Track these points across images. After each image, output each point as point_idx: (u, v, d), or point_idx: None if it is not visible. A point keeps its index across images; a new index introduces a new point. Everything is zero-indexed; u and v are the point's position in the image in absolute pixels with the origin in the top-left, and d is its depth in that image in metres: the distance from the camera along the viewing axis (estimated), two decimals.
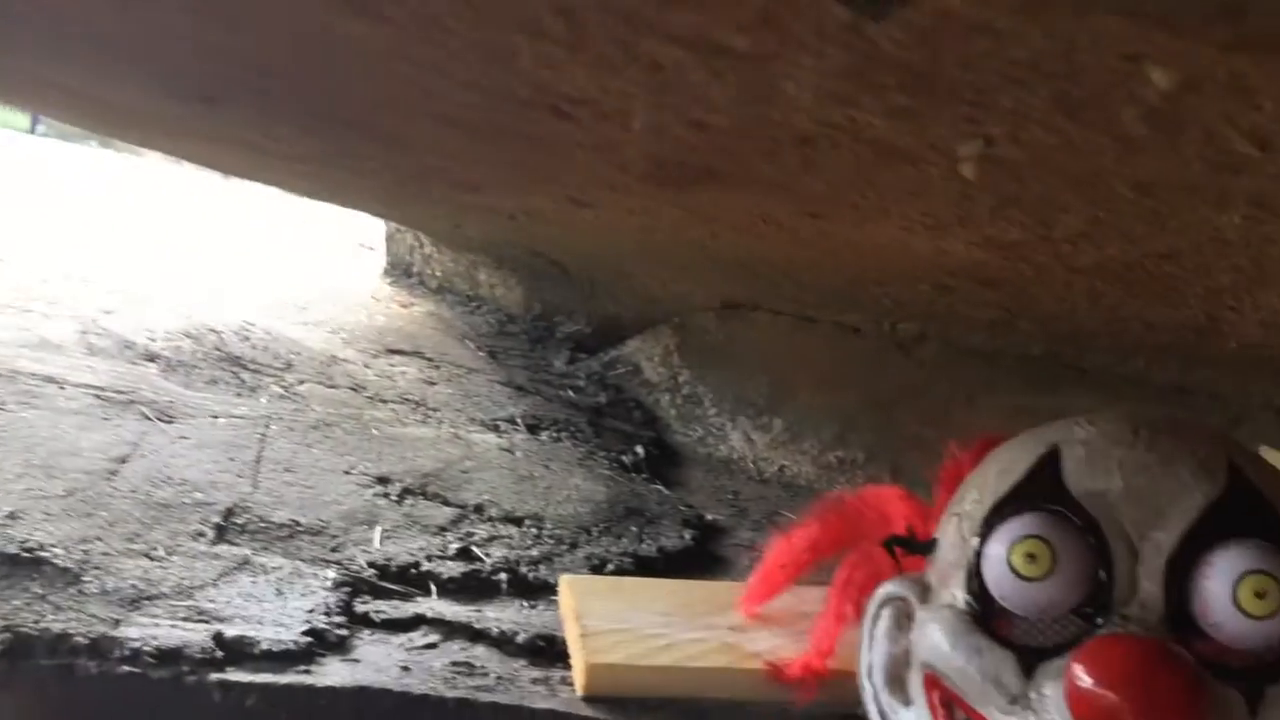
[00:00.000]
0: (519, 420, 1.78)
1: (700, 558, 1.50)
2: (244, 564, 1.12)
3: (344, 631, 1.05)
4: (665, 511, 1.62)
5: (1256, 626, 0.68)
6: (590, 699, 0.99)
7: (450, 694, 0.96)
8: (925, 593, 0.81)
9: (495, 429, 1.72)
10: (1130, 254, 0.95)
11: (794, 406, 2.08)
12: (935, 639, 0.77)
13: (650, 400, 2.14)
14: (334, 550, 1.20)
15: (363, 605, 1.11)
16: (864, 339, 2.05)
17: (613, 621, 1.06)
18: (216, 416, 1.44)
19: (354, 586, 1.14)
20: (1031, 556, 0.71)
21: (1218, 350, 1.36)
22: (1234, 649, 0.70)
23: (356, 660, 1.01)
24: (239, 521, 1.19)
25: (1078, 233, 0.91)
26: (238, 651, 0.96)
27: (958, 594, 0.77)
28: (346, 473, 1.38)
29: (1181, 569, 0.71)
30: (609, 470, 1.72)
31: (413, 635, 1.08)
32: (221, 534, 1.16)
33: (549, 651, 1.09)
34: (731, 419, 2.09)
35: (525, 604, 1.21)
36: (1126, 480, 0.74)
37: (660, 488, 1.76)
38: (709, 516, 1.69)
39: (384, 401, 1.66)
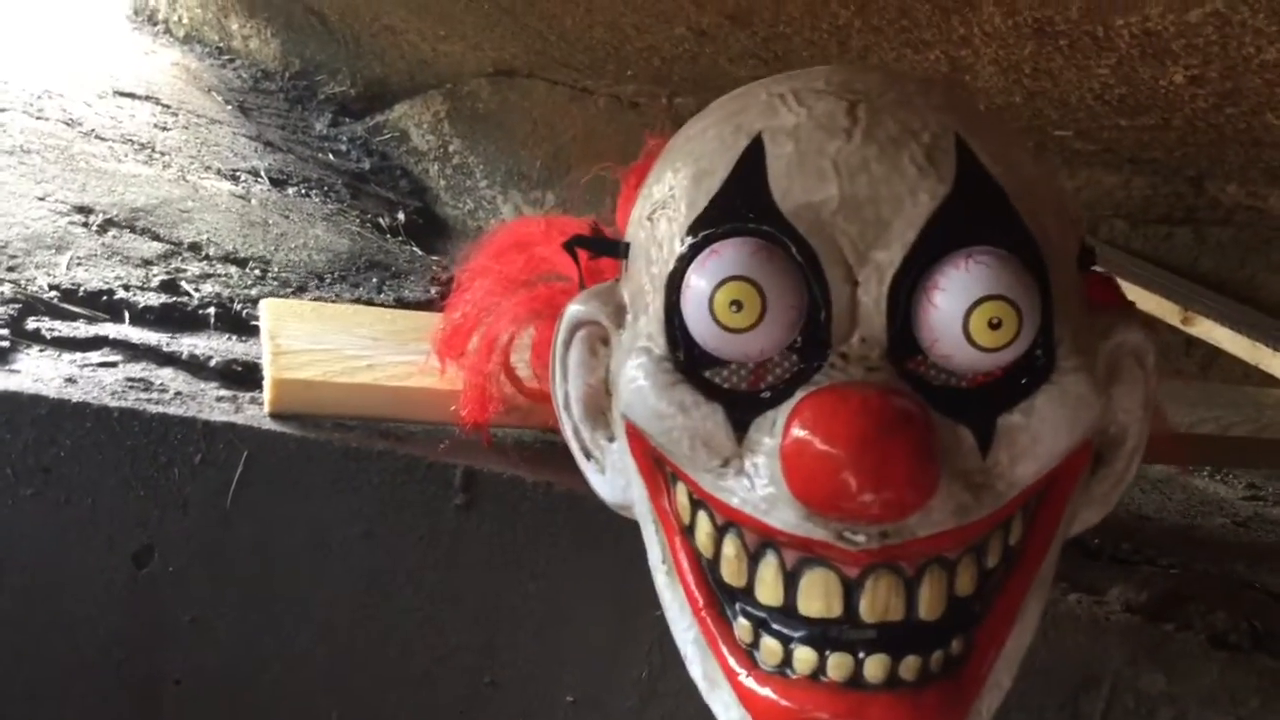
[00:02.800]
0: (263, 173, 1.66)
1: None
2: None
3: (4, 344, 0.94)
4: (414, 269, 1.55)
5: (989, 358, 0.59)
6: (278, 416, 0.92)
7: (115, 404, 0.88)
8: (619, 314, 0.69)
9: (233, 178, 1.59)
10: None
11: (568, 181, 2.01)
12: (634, 391, 0.64)
13: (418, 169, 2.04)
14: (10, 270, 1.08)
15: (35, 323, 1.01)
16: (642, 114, 1.99)
17: (311, 342, 0.99)
18: None
19: (27, 305, 1.03)
20: (738, 305, 0.59)
21: None
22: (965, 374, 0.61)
23: (15, 371, 0.91)
24: None
25: None
26: None
27: (655, 334, 0.64)
28: (40, 199, 1.25)
29: (906, 293, 0.60)
30: (359, 229, 1.62)
31: (90, 354, 0.99)
32: None
33: (246, 377, 1.01)
34: (503, 191, 2.02)
35: (235, 338, 1.13)
36: (843, 186, 0.61)
37: (415, 249, 1.68)
38: None
39: (101, 139, 1.51)
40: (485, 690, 0.93)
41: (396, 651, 0.92)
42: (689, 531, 0.65)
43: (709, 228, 0.62)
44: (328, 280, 1.36)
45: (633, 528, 0.92)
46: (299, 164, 1.79)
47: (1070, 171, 1.65)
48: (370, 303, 1.34)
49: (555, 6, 1.44)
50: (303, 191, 1.68)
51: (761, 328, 0.60)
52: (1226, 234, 1.68)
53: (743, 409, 0.61)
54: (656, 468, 0.67)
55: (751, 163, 0.63)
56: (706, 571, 0.65)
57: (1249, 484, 1.40)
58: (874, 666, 0.59)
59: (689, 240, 0.62)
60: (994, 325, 0.58)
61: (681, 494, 0.65)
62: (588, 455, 0.73)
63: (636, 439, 0.67)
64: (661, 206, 0.67)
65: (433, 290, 1.47)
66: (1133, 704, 0.85)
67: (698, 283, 0.61)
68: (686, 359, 0.63)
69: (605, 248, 0.73)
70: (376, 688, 0.92)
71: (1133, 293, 1.54)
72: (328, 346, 0.98)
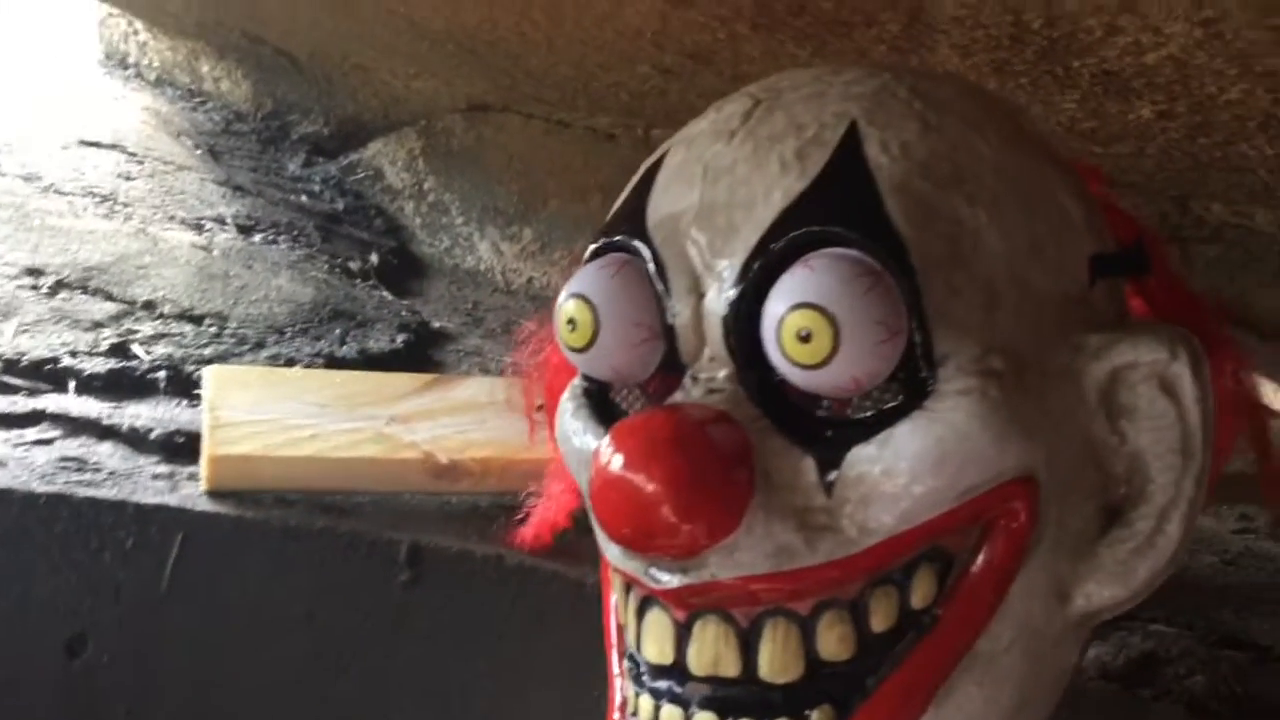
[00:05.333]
0: (229, 221, 1.63)
1: (413, 362, 1.40)
2: None
3: None
4: (381, 316, 1.51)
5: (812, 376, 0.51)
6: (216, 494, 0.89)
7: (44, 489, 0.85)
8: None
9: (197, 228, 1.56)
10: None
11: (545, 215, 1.98)
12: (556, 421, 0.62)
13: (393, 208, 2.01)
14: None
15: None
16: (618, 145, 1.96)
17: (252, 412, 0.96)
18: None
19: None
20: (572, 323, 0.55)
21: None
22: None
23: None
24: None
25: None
26: None
27: None
28: None
29: (749, 304, 0.52)
30: (326, 275, 1.59)
31: (26, 431, 0.96)
32: None
33: (188, 449, 0.98)
34: (480, 228, 1.98)
35: (184, 403, 1.10)
36: (704, 192, 0.55)
37: (385, 294, 1.65)
38: (435, 324, 1.60)
39: (60, 193, 1.48)
40: None
41: None
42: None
43: (592, 244, 0.58)
44: (287, 334, 1.33)
45: (587, 602, 0.88)
46: (269, 208, 1.77)
47: None
48: (332, 356, 1.31)
49: (518, 46, 1.41)
50: (270, 238, 1.65)
51: (598, 346, 0.55)
52: (1214, 251, 1.64)
53: None
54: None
55: (649, 175, 0.59)
56: (613, 610, 0.61)
57: (1241, 514, 1.36)
58: None
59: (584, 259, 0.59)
60: (803, 338, 0.50)
61: None
62: None
63: None
64: None
65: (398, 339, 1.44)
66: None
67: (559, 302, 0.57)
68: (588, 382, 0.59)
69: None
70: None
71: None
72: (270, 416, 0.95)
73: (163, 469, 0.94)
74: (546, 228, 1.95)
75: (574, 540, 0.87)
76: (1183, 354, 0.54)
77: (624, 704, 0.58)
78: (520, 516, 0.85)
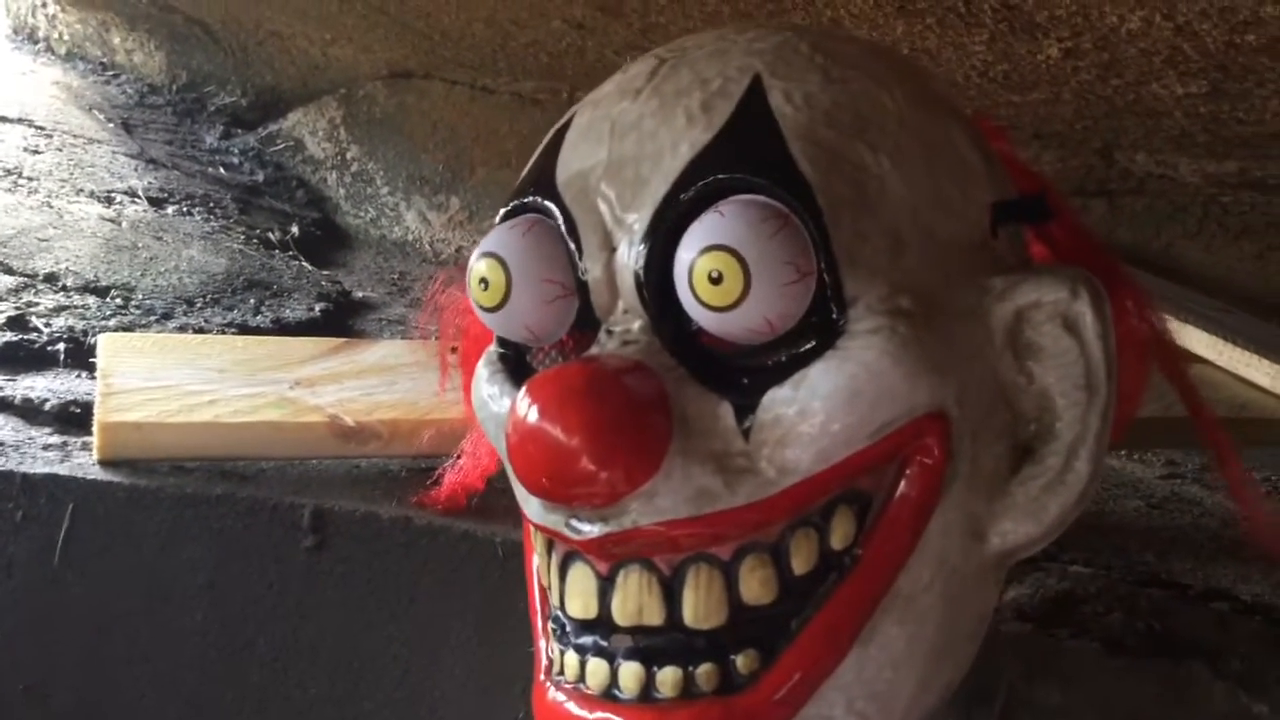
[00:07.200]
0: (140, 193, 1.58)
1: (332, 331, 1.37)
2: None
3: None
4: (299, 286, 1.48)
5: (725, 319, 0.51)
6: (108, 463, 0.86)
7: None
8: None
9: (106, 200, 1.52)
10: None
11: (472, 184, 1.95)
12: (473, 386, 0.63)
13: (316, 179, 1.97)
14: None
15: None
16: (545, 110, 1.92)
17: (147, 379, 0.92)
18: None
19: None
20: (485, 282, 0.56)
21: None
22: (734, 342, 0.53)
23: None
24: None
25: None
26: None
27: None
28: None
29: (659, 256, 0.53)
30: (243, 246, 1.55)
31: None
32: None
33: (82, 420, 0.95)
34: (406, 198, 1.95)
35: (84, 375, 1.06)
36: (612, 148, 0.56)
37: (304, 264, 1.61)
38: (358, 294, 1.57)
39: None
40: None
41: (252, 709, 0.86)
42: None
43: (503, 207, 0.59)
44: (198, 305, 1.30)
45: (499, 562, 0.87)
46: (184, 180, 1.72)
47: None
48: (245, 326, 1.28)
49: (428, 4, 1.38)
50: (184, 210, 1.61)
51: (511, 305, 0.56)
52: (1141, 203, 1.64)
53: None
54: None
55: (557, 137, 0.60)
56: (535, 574, 0.62)
57: (1167, 460, 1.36)
58: (626, 676, 0.54)
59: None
60: (714, 279, 0.50)
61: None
62: None
63: None
64: None
65: (316, 309, 1.40)
66: (1028, 718, 0.80)
67: (471, 262, 0.58)
68: (504, 348, 0.61)
69: None
70: None
71: None
72: (166, 383, 0.92)
73: (55, 440, 0.90)
74: (474, 196, 1.92)
75: (485, 501, 0.85)
76: (1084, 292, 0.55)
77: (549, 666, 0.58)
78: (433, 479, 0.84)
